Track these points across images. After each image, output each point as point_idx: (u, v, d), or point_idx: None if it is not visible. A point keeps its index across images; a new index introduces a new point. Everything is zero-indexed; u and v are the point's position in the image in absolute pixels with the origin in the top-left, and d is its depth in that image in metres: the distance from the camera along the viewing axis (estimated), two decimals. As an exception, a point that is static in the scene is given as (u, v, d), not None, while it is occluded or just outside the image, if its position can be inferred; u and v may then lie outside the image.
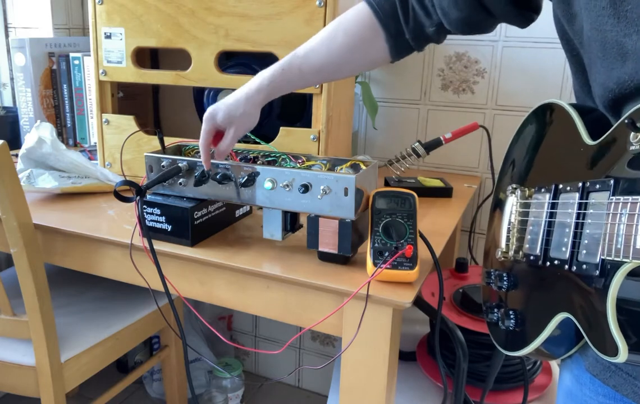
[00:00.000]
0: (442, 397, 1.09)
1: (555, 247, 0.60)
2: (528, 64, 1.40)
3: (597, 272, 0.52)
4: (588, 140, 0.59)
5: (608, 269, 0.51)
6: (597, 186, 0.54)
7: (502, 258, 0.70)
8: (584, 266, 0.54)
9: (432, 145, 1.25)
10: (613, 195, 0.52)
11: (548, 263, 0.61)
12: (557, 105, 0.65)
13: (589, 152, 0.58)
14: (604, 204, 0.52)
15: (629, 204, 0.49)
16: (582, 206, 0.56)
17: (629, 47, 0.53)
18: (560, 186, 0.60)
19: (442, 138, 1.24)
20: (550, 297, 0.60)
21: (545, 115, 0.68)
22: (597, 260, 0.52)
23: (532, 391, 1.08)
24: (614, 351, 0.50)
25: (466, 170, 1.52)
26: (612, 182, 0.52)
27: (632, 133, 0.51)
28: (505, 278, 0.68)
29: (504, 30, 1.41)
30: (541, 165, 0.66)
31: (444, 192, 1.26)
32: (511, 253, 0.67)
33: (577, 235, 0.56)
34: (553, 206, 0.61)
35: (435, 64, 1.50)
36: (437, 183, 1.30)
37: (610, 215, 0.51)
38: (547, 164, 0.65)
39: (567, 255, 0.57)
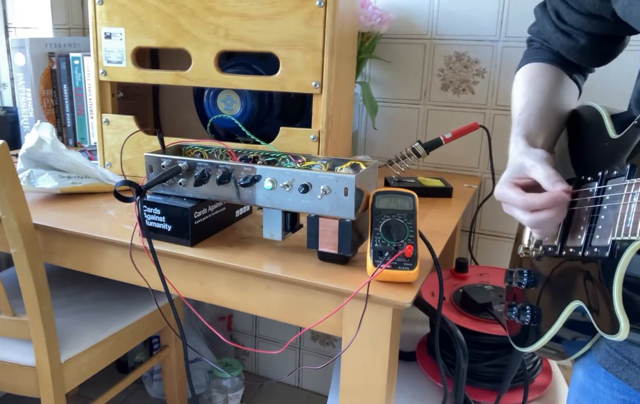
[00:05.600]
0: (442, 397, 1.09)
1: (571, 237, 0.62)
2: (528, 64, 1.40)
3: (607, 253, 0.54)
4: (613, 134, 0.61)
5: (617, 249, 0.52)
6: (615, 172, 0.56)
7: (524, 255, 0.72)
8: (596, 249, 0.56)
9: (432, 145, 1.25)
10: (628, 178, 0.53)
11: (564, 253, 0.62)
12: (591, 106, 0.69)
13: (612, 144, 0.60)
14: (621, 187, 0.54)
15: None
16: (600, 192, 0.58)
17: None
18: (582, 178, 0.63)
19: (442, 138, 1.24)
20: (564, 287, 0.62)
21: (579, 115, 0.71)
22: (608, 241, 0.54)
23: (532, 391, 1.07)
24: (616, 328, 0.51)
25: (466, 170, 1.52)
26: (628, 166, 0.54)
27: None
28: (525, 274, 0.71)
29: (504, 30, 1.41)
30: (571, 160, 0.69)
31: (444, 192, 1.26)
32: (532, 247, 0.69)
33: (593, 220, 0.58)
34: (574, 196, 0.63)
35: (435, 64, 1.50)
36: (437, 183, 1.30)
37: (624, 196, 0.53)
38: (574, 160, 0.68)
39: (582, 242, 0.59)
